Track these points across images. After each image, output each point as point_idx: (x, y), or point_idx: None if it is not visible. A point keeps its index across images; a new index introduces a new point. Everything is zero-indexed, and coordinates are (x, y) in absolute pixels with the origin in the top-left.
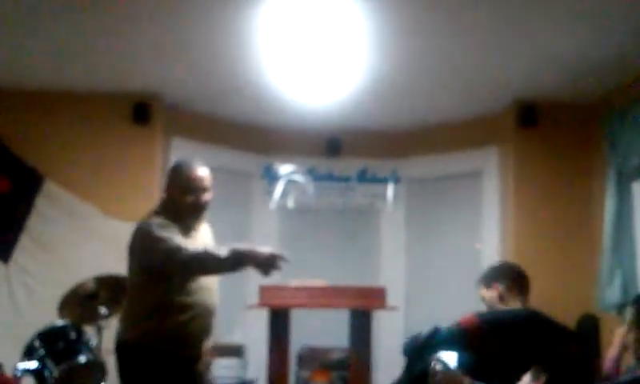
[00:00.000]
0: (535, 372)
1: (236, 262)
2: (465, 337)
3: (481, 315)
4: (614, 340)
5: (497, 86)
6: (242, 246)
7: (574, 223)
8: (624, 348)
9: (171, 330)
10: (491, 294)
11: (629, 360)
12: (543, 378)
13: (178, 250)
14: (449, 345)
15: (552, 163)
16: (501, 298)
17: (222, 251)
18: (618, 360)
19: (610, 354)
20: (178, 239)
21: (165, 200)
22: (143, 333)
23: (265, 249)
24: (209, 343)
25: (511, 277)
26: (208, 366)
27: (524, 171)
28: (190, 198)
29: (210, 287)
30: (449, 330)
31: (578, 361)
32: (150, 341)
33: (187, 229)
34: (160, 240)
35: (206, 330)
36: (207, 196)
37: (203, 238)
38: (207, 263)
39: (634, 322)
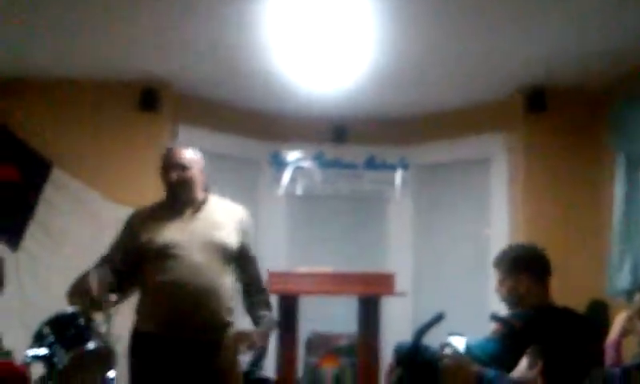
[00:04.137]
0: (532, 357)
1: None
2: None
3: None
4: (615, 325)
5: (505, 72)
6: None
7: (583, 209)
8: (625, 333)
9: (160, 311)
10: (516, 283)
11: (631, 346)
12: (540, 364)
13: (105, 254)
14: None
15: (561, 149)
16: (527, 289)
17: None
18: (619, 345)
19: (611, 339)
20: (124, 239)
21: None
22: (140, 317)
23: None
24: (232, 334)
25: (539, 266)
26: (232, 360)
27: (533, 157)
28: (168, 177)
29: (198, 265)
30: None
31: (578, 347)
32: (145, 324)
33: (180, 212)
34: (115, 235)
35: (199, 310)
36: (183, 173)
37: (212, 220)
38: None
39: None
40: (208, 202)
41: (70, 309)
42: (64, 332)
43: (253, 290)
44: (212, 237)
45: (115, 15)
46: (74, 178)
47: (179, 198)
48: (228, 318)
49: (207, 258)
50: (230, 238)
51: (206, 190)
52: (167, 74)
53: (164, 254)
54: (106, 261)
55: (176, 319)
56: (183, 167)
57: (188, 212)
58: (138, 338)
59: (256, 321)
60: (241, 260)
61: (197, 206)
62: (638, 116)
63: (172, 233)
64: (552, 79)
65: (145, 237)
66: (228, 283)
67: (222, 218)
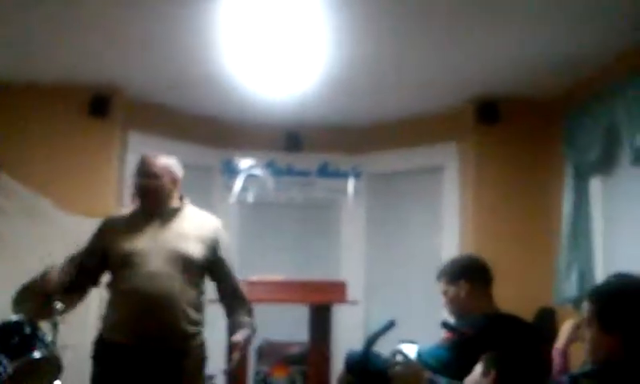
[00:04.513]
0: (486, 365)
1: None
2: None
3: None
4: (562, 333)
5: (457, 83)
6: None
7: (533, 218)
8: (572, 341)
9: (120, 319)
10: (457, 291)
11: (578, 353)
12: (494, 373)
13: (72, 255)
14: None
15: (512, 159)
16: (468, 296)
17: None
18: (566, 353)
19: (558, 346)
20: (94, 243)
21: None
22: (103, 325)
23: None
24: (198, 340)
25: (478, 273)
26: (197, 370)
27: (484, 167)
28: (136, 185)
29: (159, 275)
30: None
31: (530, 354)
32: (107, 332)
33: (150, 221)
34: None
35: (158, 319)
36: (151, 181)
37: (180, 230)
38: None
39: (593, 319)
40: (181, 211)
41: (15, 317)
42: (9, 340)
43: (234, 303)
44: (176, 247)
45: (65, 19)
46: (21, 183)
47: (146, 206)
48: (190, 328)
49: (169, 267)
50: (196, 249)
51: (181, 199)
52: (118, 79)
53: (128, 262)
54: (71, 261)
55: (136, 327)
56: (152, 175)
57: (158, 221)
58: (101, 345)
59: (237, 325)
60: (214, 272)
61: (167, 215)
62: (585, 126)
63: (139, 241)
64: (503, 90)
65: (113, 244)
66: (191, 294)
67: (191, 228)
